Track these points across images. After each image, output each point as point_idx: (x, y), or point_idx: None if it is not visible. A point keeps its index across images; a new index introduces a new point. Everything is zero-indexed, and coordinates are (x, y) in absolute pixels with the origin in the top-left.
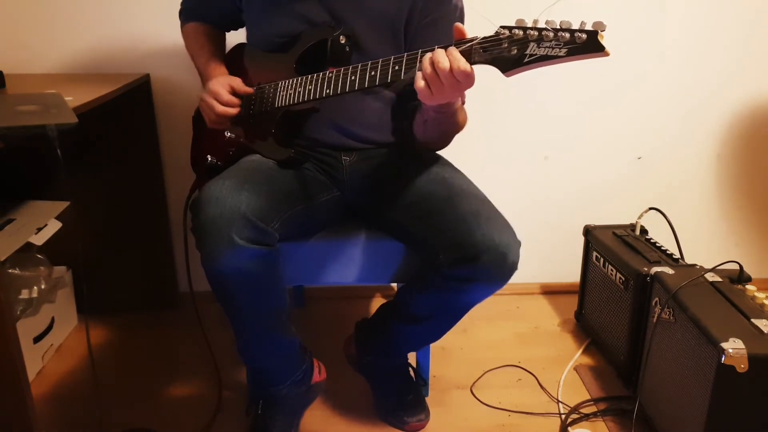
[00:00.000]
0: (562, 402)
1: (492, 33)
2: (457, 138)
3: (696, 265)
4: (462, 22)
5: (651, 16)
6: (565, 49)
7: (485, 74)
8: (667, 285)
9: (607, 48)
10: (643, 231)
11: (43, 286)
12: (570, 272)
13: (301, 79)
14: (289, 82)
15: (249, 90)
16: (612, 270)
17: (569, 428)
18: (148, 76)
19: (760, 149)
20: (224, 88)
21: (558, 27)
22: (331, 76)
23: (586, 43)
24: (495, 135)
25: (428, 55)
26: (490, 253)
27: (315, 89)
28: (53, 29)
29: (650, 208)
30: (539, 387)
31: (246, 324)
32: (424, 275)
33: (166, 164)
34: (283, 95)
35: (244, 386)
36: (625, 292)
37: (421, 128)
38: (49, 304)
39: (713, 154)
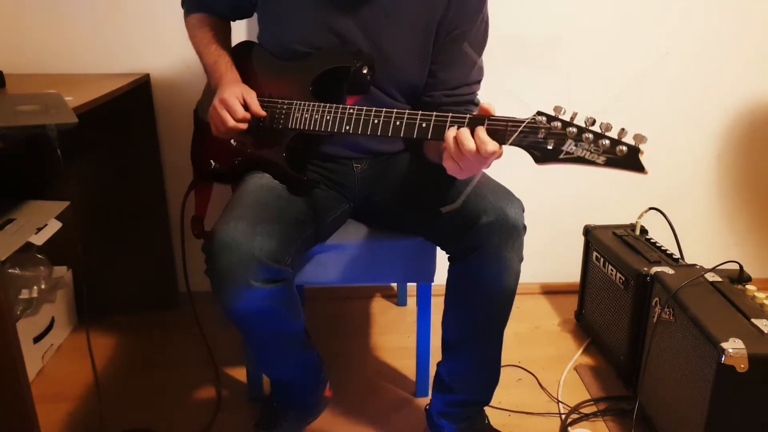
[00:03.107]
0: (562, 402)
1: (528, 117)
2: None
3: (696, 265)
4: (486, 34)
5: (651, 17)
6: (604, 158)
7: (485, 73)
8: (667, 285)
9: (647, 168)
10: (643, 231)
11: (43, 286)
12: (570, 272)
13: (319, 107)
14: (305, 106)
15: (262, 113)
16: (612, 270)
17: (569, 428)
18: (148, 76)
19: (760, 149)
20: (239, 103)
21: (599, 131)
22: (353, 113)
23: (626, 158)
24: None
25: (452, 132)
26: (489, 212)
27: (334, 122)
28: (53, 29)
29: (650, 208)
30: (539, 387)
31: (268, 351)
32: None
33: (166, 164)
34: (297, 117)
35: (244, 386)
36: (625, 292)
37: (435, 158)
38: (49, 304)
39: (713, 154)
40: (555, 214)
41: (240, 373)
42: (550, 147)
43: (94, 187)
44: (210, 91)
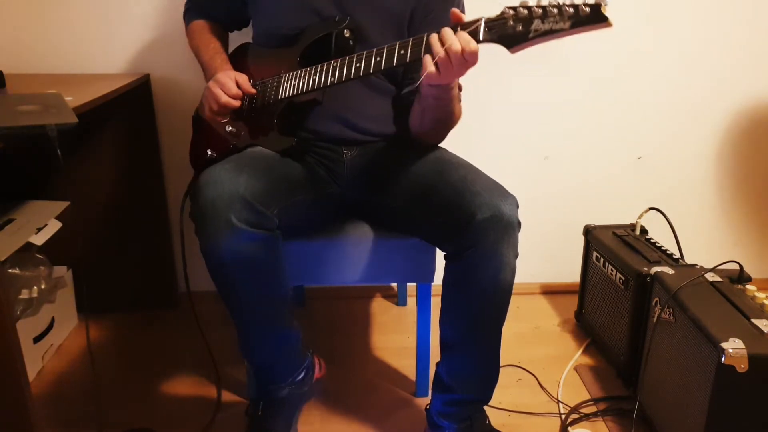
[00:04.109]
0: (562, 402)
1: (497, 13)
2: (458, 137)
3: (696, 265)
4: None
5: (651, 16)
6: (569, 22)
7: (485, 74)
8: (667, 285)
9: (611, 19)
10: (643, 231)
11: (43, 286)
12: (570, 272)
13: (305, 70)
14: (292, 74)
15: (252, 91)
16: (612, 270)
17: (569, 428)
18: (148, 76)
19: (760, 149)
20: (232, 81)
21: (561, 2)
22: (336, 65)
23: (589, 15)
24: (495, 135)
25: (436, 36)
26: (483, 209)
27: (319, 78)
28: (53, 29)
29: (650, 208)
30: (539, 387)
31: (247, 314)
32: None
33: (166, 164)
34: (286, 87)
35: (244, 386)
36: (625, 292)
37: (418, 119)
38: (49, 304)
39: (713, 154)
40: (555, 215)
41: (240, 373)
42: (519, 30)
43: (94, 187)
44: None
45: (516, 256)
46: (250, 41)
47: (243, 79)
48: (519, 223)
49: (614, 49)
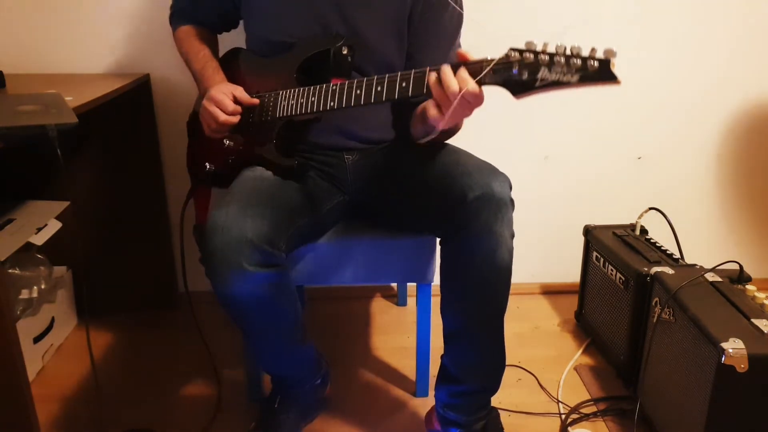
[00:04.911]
0: (562, 402)
1: (502, 55)
2: (457, 137)
3: (696, 265)
4: (461, 19)
5: (651, 16)
6: (577, 76)
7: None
8: (667, 285)
9: (619, 77)
10: (643, 231)
11: (43, 286)
12: (570, 272)
13: (304, 90)
14: (290, 93)
15: (254, 101)
16: (612, 270)
17: (569, 428)
18: (148, 76)
19: (760, 149)
20: (228, 97)
21: (569, 53)
22: (335, 89)
23: (598, 71)
24: (495, 134)
25: (434, 75)
26: (474, 188)
27: (318, 101)
28: (53, 29)
29: (650, 208)
30: (539, 387)
31: (262, 342)
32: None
33: (166, 164)
34: (284, 105)
35: (244, 386)
36: (625, 292)
37: (421, 135)
38: (49, 304)
39: (713, 154)
40: (555, 215)
41: (240, 373)
42: (525, 78)
43: (94, 187)
44: (201, 100)
45: (512, 235)
46: (240, 44)
47: (239, 91)
48: (512, 202)
49: (614, 48)
